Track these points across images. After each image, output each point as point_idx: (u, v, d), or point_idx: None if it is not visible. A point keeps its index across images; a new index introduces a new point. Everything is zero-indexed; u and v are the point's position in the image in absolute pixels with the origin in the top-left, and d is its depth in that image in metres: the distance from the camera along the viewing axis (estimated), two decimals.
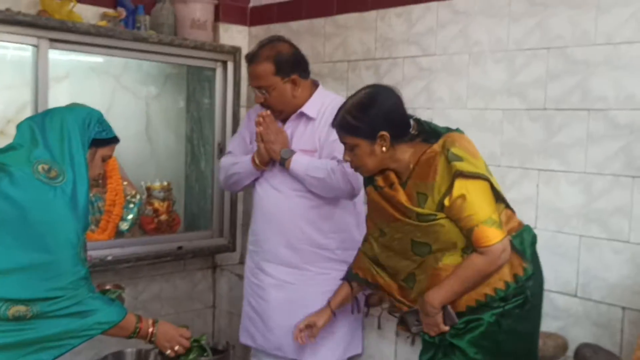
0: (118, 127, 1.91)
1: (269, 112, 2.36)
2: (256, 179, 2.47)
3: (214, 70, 3.25)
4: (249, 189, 2.59)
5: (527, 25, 2.28)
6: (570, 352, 2.09)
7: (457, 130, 1.96)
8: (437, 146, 1.84)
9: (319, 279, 2.39)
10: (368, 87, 1.94)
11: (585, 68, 2.15)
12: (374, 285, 2.11)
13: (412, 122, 1.90)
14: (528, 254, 1.87)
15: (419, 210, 1.81)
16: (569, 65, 2.19)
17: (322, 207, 2.36)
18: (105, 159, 1.88)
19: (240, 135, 2.60)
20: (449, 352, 1.89)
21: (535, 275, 1.89)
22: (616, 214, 2.09)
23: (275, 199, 2.41)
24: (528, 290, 1.84)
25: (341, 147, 2.15)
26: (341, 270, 2.31)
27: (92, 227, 3.07)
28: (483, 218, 1.75)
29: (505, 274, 1.82)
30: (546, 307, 2.11)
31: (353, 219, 2.41)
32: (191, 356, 2.06)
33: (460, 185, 1.74)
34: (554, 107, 2.22)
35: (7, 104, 3.01)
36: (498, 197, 1.86)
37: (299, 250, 2.39)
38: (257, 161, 2.39)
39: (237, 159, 2.50)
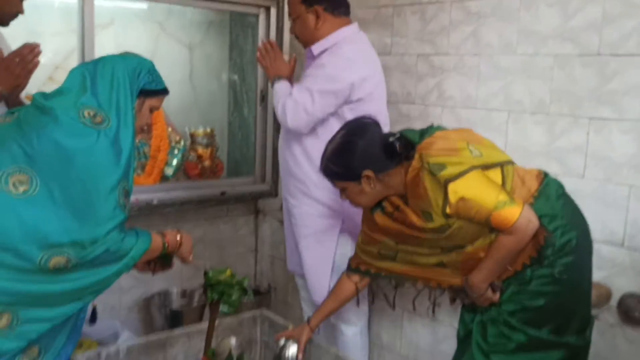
0: (162, 73, 1.92)
1: (273, 40, 2.57)
2: None
3: (256, 16, 3.23)
4: None
5: None
6: (613, 302, 2.07)
7: (430, 129, 1.92)
8: (415, 162, 1.81)
9: (293, 211, 2.52)
10: (344, 126, 1.95)
11: None
12: (383, 276, 2.10)
13: (396, 144, 1.84)
14: (558, 207, 1.83)
15: (433, 225, 1.79)
16: (627, 8, 2.08)
17: (304, 139, 2.43)
18: (153, 110, 1.89)
19: None
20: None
21: (574, 224, 1.85)
22: None
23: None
24: (574, 240, 1.82)
25: (307, 80, 2.35)
26: (314, 207, 2.45)
27: (139, 171, 3.15)
28: (491, 205, 1.72)
29: (528, 249, 1.81)
30: None
31: None
32: (234, 297, 2.12)
33: (453, 190, 1.72)
34: (609, 52, 2.13)
35: (55, 50, 3.06)
36: (500, 164, 1.83)
37: (284, 178, 2.57)
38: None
39: None
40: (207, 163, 3.30)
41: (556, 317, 1.84)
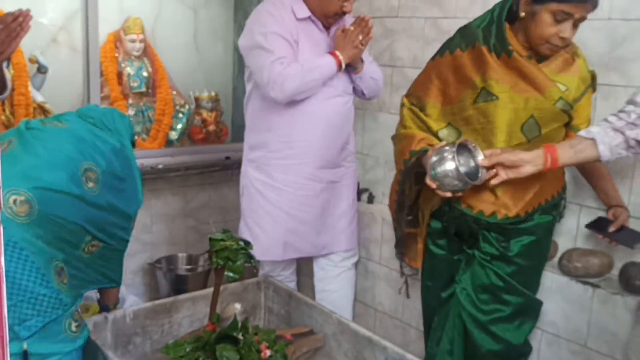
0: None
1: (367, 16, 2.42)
2: None
3: None
4: None
5: None
6: (615, 271, 2.07)
7: None
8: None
9: (347, 171, 2.65)
10: None
11: None
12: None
13: None
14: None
15: (563, 94, 1.80)
16: None
17: (353, 107, 2.62)
18: None
19: (282, 38, 2.40)
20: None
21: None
22: None
23: (337, 104, 2.50)
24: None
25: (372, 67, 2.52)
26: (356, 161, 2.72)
27: (144, 135, 3.14)
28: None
29: (562, 182, 2.00)
30: None
31: None
32: (238, 263, 2.13)
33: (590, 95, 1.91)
34: (620, 17, 2.08)
35: (58, 11, 3.02)
36: None
37: (343, 149, 2.60)
38: (343, 64, 2.41)
39: (313, 64, 2.38)
40: (211, 127, 3.29)
41: (537, 278, 2.02)
